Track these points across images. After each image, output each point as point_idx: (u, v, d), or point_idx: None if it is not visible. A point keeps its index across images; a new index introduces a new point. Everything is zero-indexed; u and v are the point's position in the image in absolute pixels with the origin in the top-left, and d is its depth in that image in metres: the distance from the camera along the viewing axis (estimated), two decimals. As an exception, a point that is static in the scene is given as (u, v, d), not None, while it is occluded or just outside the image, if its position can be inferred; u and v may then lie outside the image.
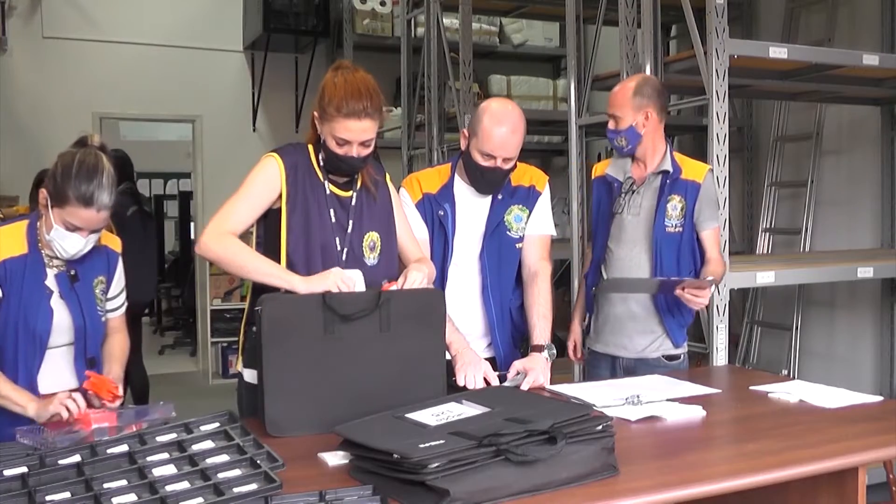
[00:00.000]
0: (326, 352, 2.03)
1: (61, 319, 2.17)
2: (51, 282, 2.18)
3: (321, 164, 2.28)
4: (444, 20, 5.58)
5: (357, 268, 2.23)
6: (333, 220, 2.25)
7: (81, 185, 2.07)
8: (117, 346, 2.36)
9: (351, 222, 2.28)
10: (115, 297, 2.35)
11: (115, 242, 2.36)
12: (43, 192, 2.14)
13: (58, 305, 2.17)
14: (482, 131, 2.48)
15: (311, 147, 2.31)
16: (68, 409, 2.00)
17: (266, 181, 2.24)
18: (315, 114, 2.23)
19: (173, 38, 7.19)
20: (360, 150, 2.20)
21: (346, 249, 2.25)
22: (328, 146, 2.21)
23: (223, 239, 2.17)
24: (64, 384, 2.17)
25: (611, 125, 2.81)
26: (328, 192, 2.27)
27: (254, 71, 7.43)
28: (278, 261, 2.21)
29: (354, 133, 2.16)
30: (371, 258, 2.29)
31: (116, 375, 2.25)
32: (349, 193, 2.30)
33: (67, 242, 2.12)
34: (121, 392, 2.15)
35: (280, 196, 2.24)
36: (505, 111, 2.50)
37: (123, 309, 2.40)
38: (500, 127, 2.46)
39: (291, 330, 2.01)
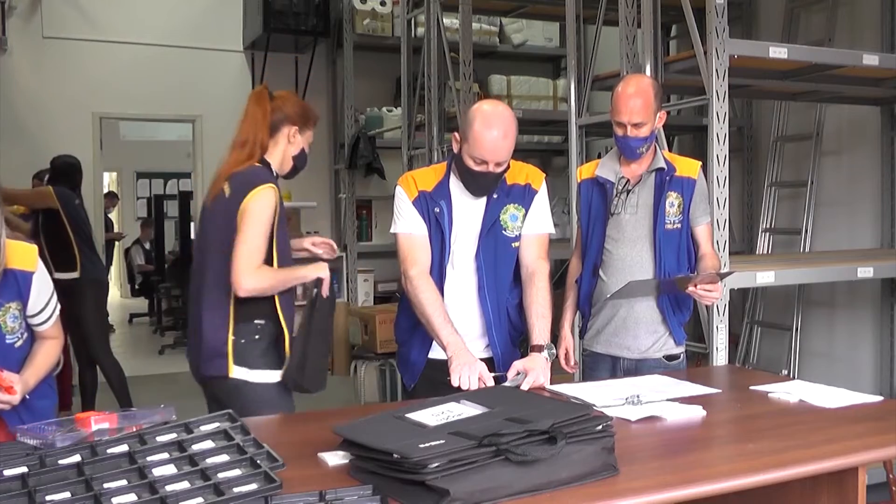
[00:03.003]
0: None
1: None
2: None
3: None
4: (444, 20, 5.58)
5: None
6: None
7: None
8: (40, 352, 2.25)
9: None
10: (39, 312, 2.23)
11: (24, 260, 2.17)
12: None
13: None
14: (473, 136, 2.45)
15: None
16: None
17: None
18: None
19: (173, 38, 7.19)
20: None
21: None
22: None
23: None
24: None
25: (632, 133, 2.72)
26: None
27: (254, 71, 7.43)
28: None
29: None
30: None
31: (18, 377, 2.12)
32: None
33: None
34: (14, 386, 2.06)
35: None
36: (495, 115, 2.46)
37: (55, 317, 2.29)
38: (490, 132, 2.43)
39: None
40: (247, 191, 2.43)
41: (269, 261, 2.45)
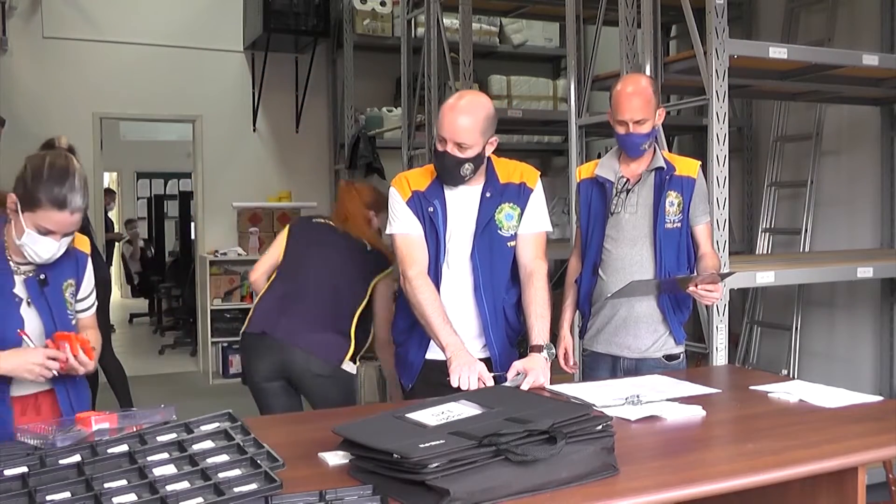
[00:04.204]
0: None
1: (32, 327, 2.10)
2: (20, 289, 2.12)
3: None
4: (444, 20, 5.58)
5: None
6: None
7: (54, 188, 2.02)
8: (90, 338, 2.23)
9: None
10: (85, 298, 2.29)
11: (83, 243, 2.28)
12: (12, 197, 2.07)
13: (28, 314, 2.11)
14: (439, 116, 2.51)
15: None
16: (48, 368, 2.02)
17: None
18: None
19: (173, 38, 7.18)
20: None
21: None
22: None
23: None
24: (37, 389, 2.15)
25: (635, 129, 2.74)
26: None
27: (254, 71, 7.43)
28: None
29: None
30: None
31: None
32: None
33: (40, 247, 2.06)
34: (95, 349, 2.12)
35: None
36: (464, 97, 2.52)
37: (94, 308, 2.35)
38: (451, 112, 2.47)
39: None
40: (384, 268, 3.30)
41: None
